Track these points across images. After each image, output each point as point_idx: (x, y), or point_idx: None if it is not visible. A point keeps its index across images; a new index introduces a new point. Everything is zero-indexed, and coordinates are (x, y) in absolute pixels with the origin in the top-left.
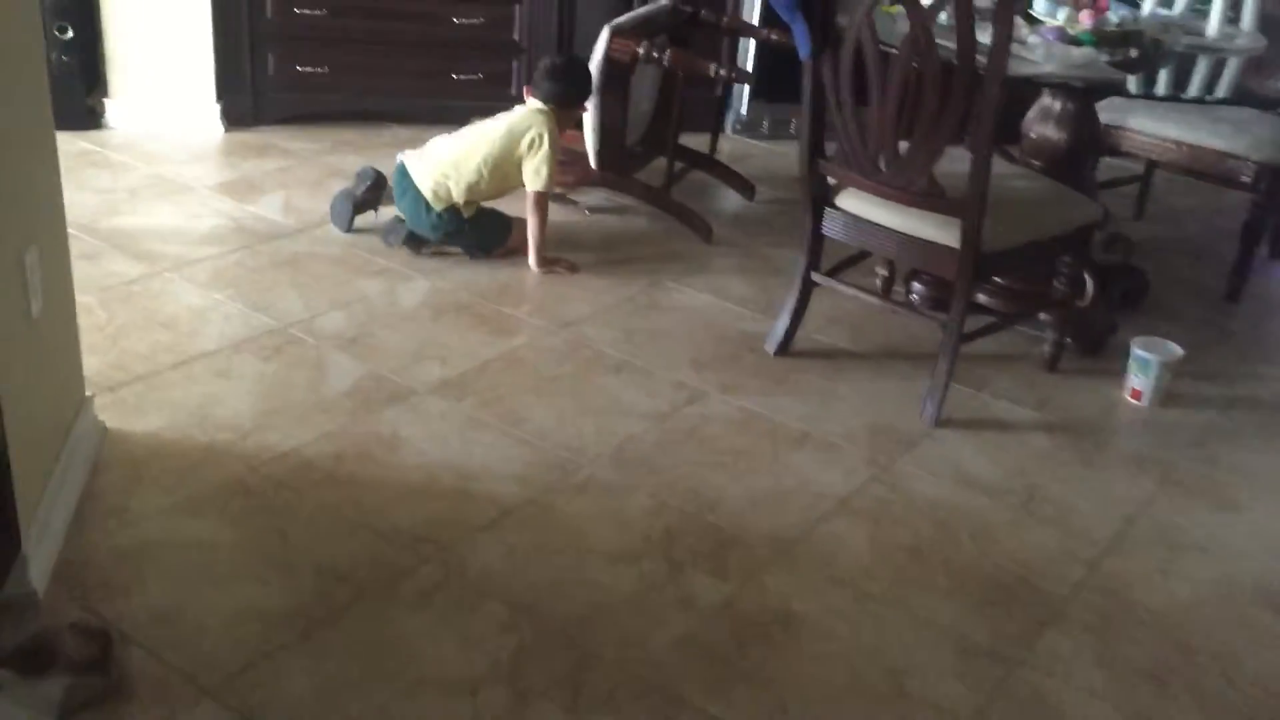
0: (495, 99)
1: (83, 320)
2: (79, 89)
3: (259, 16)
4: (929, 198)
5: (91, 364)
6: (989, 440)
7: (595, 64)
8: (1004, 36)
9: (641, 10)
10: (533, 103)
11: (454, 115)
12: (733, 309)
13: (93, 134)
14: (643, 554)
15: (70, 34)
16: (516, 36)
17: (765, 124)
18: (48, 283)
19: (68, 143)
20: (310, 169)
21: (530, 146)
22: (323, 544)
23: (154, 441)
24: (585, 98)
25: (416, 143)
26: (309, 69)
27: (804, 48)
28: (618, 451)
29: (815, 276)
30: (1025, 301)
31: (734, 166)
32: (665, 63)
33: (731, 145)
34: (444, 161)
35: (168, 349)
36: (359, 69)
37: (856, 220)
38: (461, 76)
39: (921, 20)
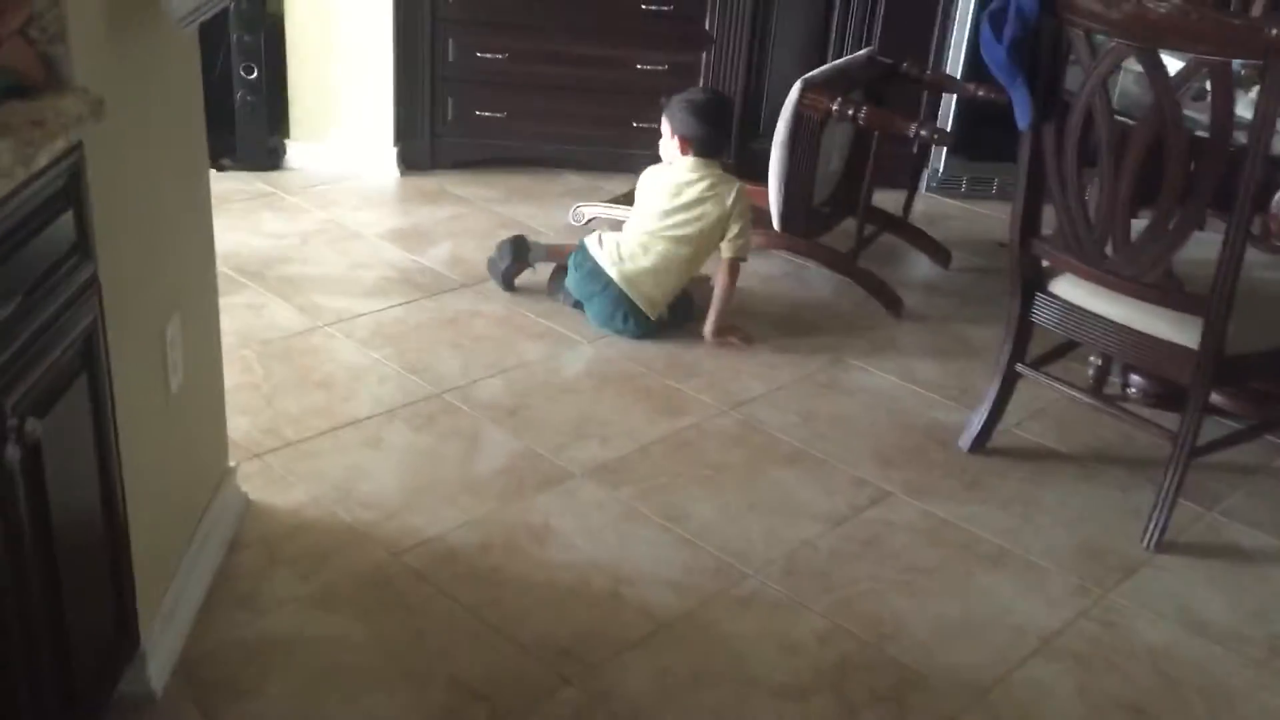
0: None
1: (240, 378)
2: (263, 129)
3: (441, 60)
4: (1164, 291)
5: (241, 426)
6: (1223, 572)
7: (785, 120)
8: (1273, 108)
9: (837, 63)
10: (706, 165)
11: (632, 163)
12: (922, 394)
13: (273, 175)
14: (812, 689)
15: (255, 74)
16: (701, 85)
17: (964, 183)
18: (192, 349)
19: (247, 183)
20: (481, 218)
21: (737, 220)
22: (460, 651)
23: (295, 519)
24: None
25: (592, 192)
26: (487, 114)
27: (1023, 116)
28: (788, 560)
29: (1020, 368)
30: (1272, 406)
31: (928, 230)
32: (860, 121)
33: (926, 205)
34: (647, 271)
35: (320, 412)
36: (537, 114)
37: (1073, 310)
38: (642, 124)
39: (1168, 88)
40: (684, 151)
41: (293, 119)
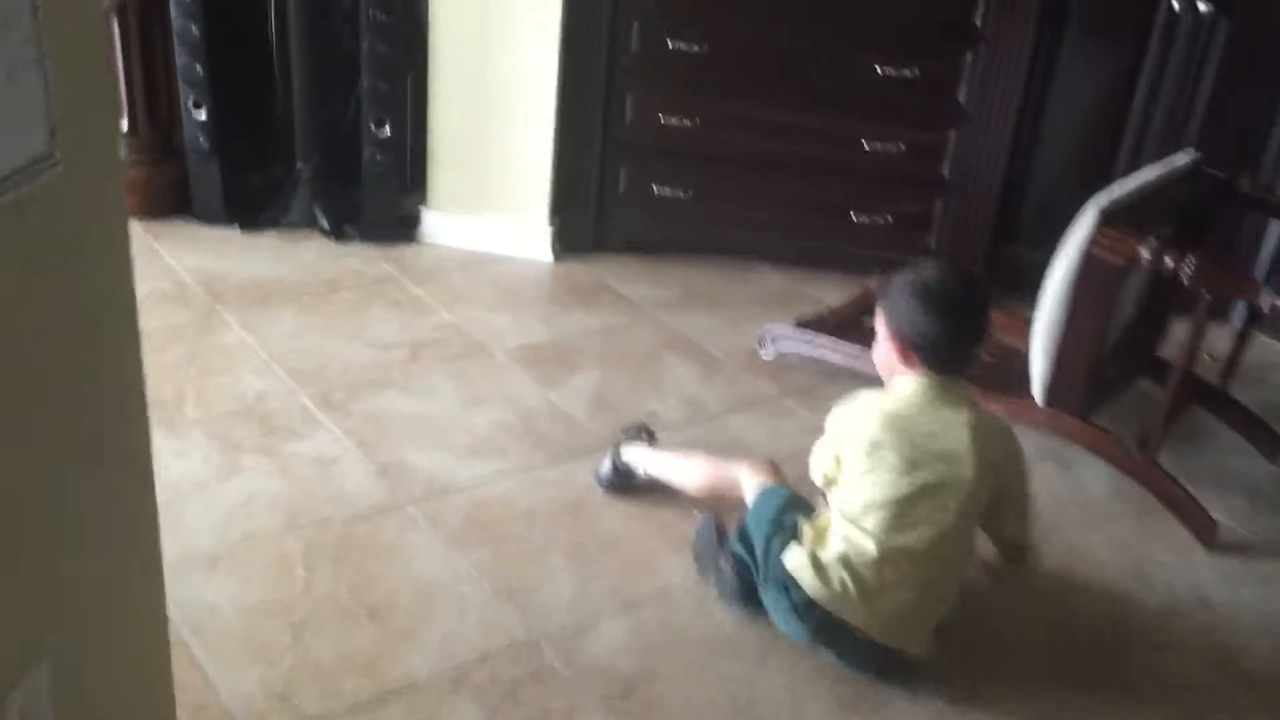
0: (903, 248)
1: (270, 588)
2: (395, 194)
3: (615, 122)
4: None
5: (246, 684)
6: None
7: (1068, 261)
8: None
9: (1145, 177)
10: (946, 389)
11: (845, 263)
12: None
13: (402, 251)
14: None
15: (388, 130)
16: (945, 172)
17: None
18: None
19: (368, 261)
20: (644, 334)
21: (1015, 484)
22: None
23: None
24: None
25: (795, 300)
26: (667, 190)
27: None
28: None
29: None
30: None
31: (1257, 395)
32: (1187, 278)
33: (1252, 350)
34: (908, 607)
35: (361, 668)
36: (729, 194)
37: None
38: (862, 217)
39: None
40: (907, 363)
41: (432, 184)
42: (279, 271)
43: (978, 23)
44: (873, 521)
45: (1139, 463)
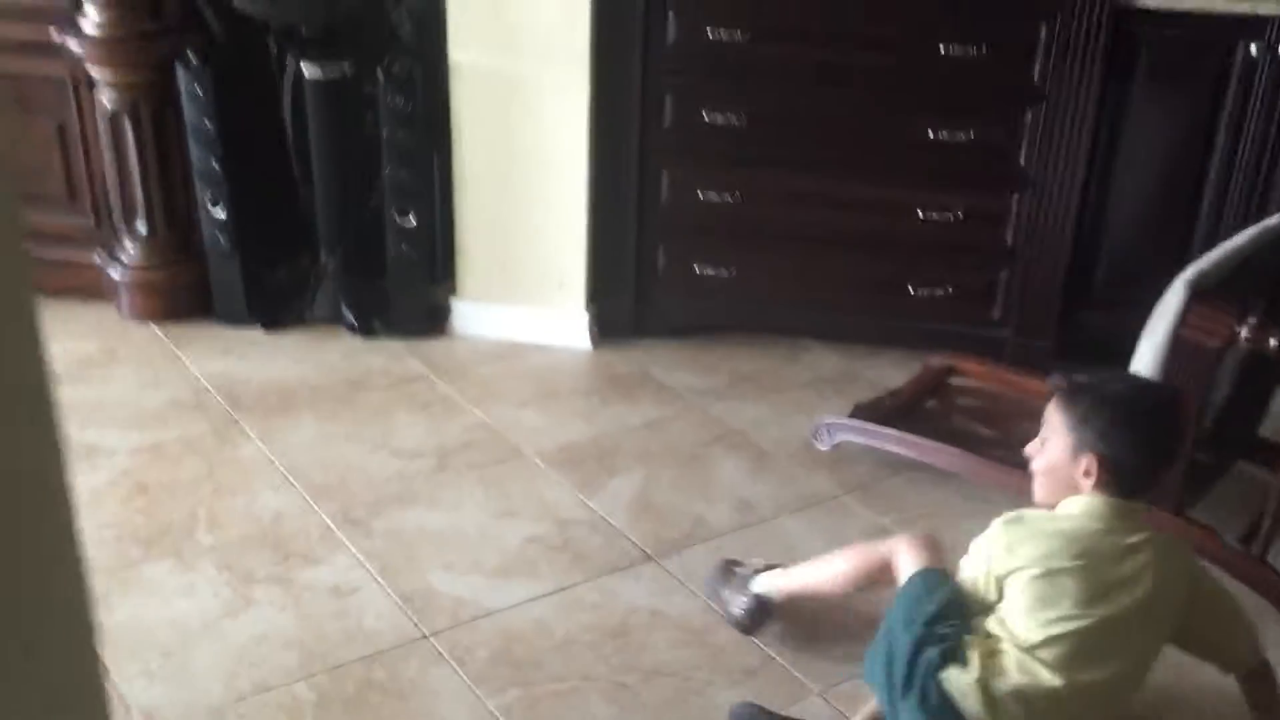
0: (966, 323)
1: None
2: (423, 287)
3: (651, 201)
4: None
5: None
6: None
7: (1156, 345)
8: None
9: (1237, 245)
10: (1128, 514)
11: (903, 339)
12: None
13: (430, 344)
14: None
15: (413, 220)
16: (1009, 239)
17: None
18: None
19: (396, 358)
20: (689, 428)
21: (1214, 597)
22: None
23: None
24: None
25: (849, 382)
26: (709, 270)
27: None
28: None
29: None
30: None
31: None
32: None
33: None
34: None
35: None
36: (776, 272)
37: None
38: (921, 290)
39: None
40: (1095, 482)
41: (461, 273)
42: (302, 373)
43: (1036, 79)
44: (1052, 655)
45: (1246, 560)
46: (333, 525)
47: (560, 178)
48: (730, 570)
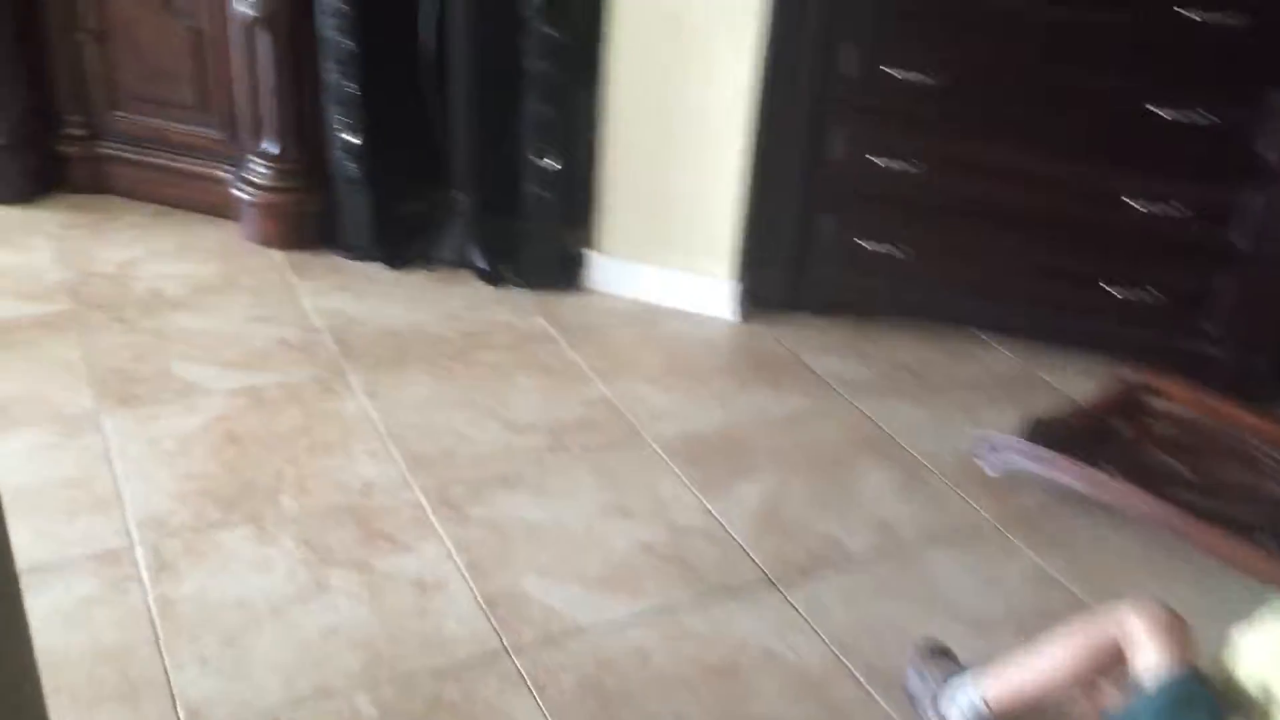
0: (1170, 333)
1: None
2: (555, 234)
3: (819, 164)
4: None
5: None
6: None
7: None
8: None
9: None
10: None
11: (1092, 343)
12: None
13: (560, 300)
14: None
15: (553, 162)
16: (1237, 241)
17: None
18: None
19: (522, 315)
20: (834, 427)
21: None
22: None
23: None
24: None
25: (1028, 389)
26: (876, 245)
27: None
28: None
29: None
30: None
31: None
32: None
33: None
34: None
35: None
36: (953, 253)
37: None
38: (1120, 289)
39: None
40: None
41: (600, 225)
42: (419, 319)
43: None
44: None
45: None
46: (426, 505)
47: (719, 129)
48: (938, 660)
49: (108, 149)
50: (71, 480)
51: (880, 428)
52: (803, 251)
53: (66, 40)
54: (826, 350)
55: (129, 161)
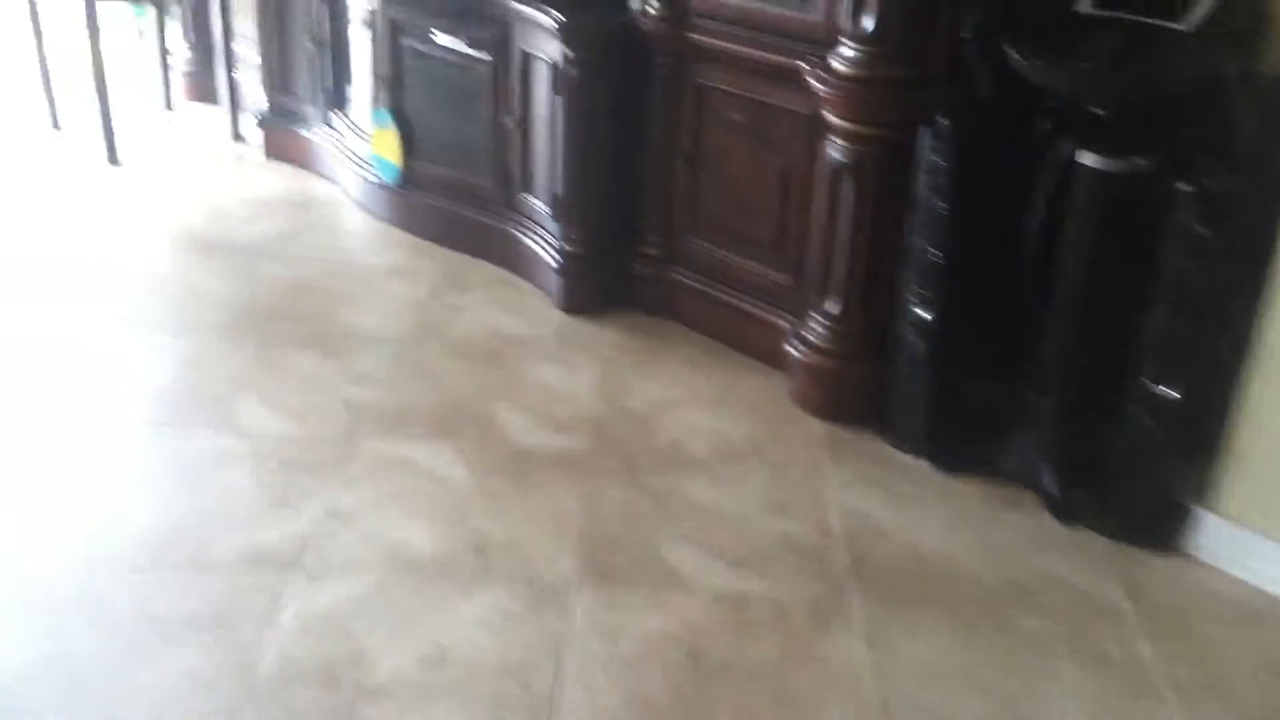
0: None
1: None
2: (1159, 477)
3: None
4: None
5: None
6: None
7: None
8: None
9: None
10: None
11: None
12: None
13: (1149, 563)
14: None
15: (1175, 390)
16: None
17: None
18: None
19: (1091, 570)
20: None
21: None
22: None
23: None
24: None
25: None
26: None
27: None
28: None
29: None
30: None
31: None
32: None
33: None
34: None
35: None
36: None
37: None
38: None
39: None
40: None
41: (1224, 478)
42: (957, 548)
43: None
44: None
45: None
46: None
47: None
48: None
49: (679, 274)
50: (512, 667)
51: None
52: None
53: (660, 163)
54: None
55: (696, 291)
